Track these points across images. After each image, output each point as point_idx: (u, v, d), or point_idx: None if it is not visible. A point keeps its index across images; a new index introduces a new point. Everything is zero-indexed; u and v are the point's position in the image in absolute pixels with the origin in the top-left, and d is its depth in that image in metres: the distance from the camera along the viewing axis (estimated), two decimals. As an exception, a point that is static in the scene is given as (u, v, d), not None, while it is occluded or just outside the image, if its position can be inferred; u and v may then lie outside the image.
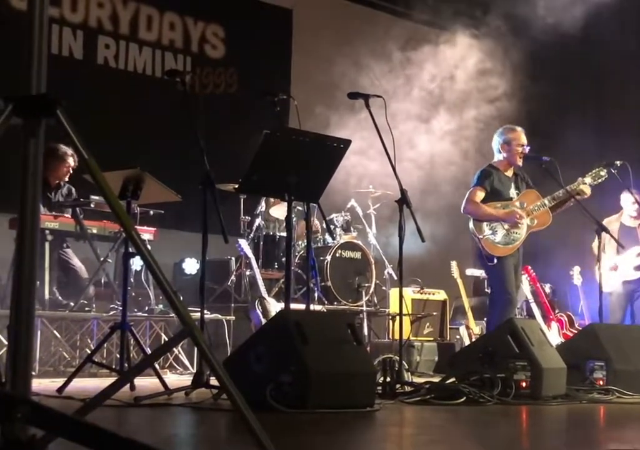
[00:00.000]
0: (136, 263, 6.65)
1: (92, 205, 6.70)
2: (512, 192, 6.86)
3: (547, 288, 9.34)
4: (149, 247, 6.86)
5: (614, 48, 10.49)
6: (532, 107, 8.57)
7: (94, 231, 6.77)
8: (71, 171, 7.05)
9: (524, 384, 4.93)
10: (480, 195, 6.72)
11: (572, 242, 9.14)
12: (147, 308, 7.04)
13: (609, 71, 10.79)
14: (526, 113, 8.43)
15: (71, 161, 6.96)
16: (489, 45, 8.39)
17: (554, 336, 8.64)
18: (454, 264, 9.04)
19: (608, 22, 10.01)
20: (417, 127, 8.33)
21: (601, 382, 5.59)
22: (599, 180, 6.97)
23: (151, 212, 7.05)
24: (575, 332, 8.31)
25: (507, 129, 6.97)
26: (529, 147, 6.88)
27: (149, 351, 5.83)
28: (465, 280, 9.01)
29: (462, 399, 4.53)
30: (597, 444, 3.32)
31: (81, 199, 6.91)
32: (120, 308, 5.37)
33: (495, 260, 6.68)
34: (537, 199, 6.94)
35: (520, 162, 6.88)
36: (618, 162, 7.03)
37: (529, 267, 9.09)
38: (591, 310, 8.92)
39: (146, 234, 6.89)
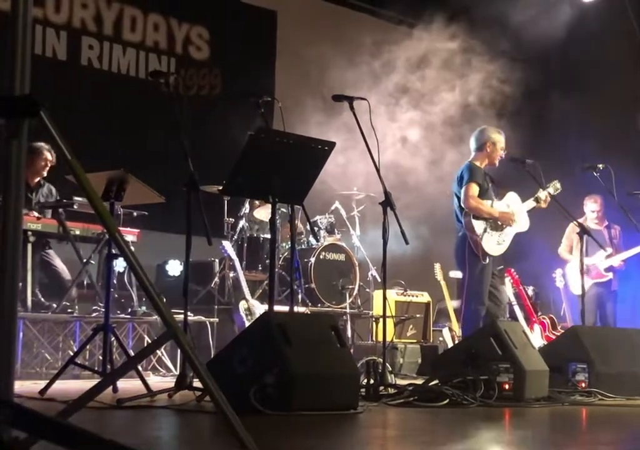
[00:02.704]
0: (119, 264, 6.62)
1: (75, 206, 6.66)
2: (491, 191, 6.91)
3: (530, 290, 9.38)
4: (132, 248, 6.83)
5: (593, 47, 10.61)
6: (505, 106, 8.62)
7: (77, 232, 6.73)
8: (49, 166, 6.98)
9: (506, 386, 4.95)
10: (476, 190, 6.73)
11: (555, 244, 9.19)
12: (130, 310, 7.01)
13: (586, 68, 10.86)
14: (499, 114, 8.47)
15: (48, 155, 6.89)
16: (475, 45, 8.42)
17: (536, 338, 8.67)
18: (437, 266, 9.06)
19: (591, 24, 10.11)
20: (402, 128, 8.34)
21: (583, 385, 5.62)
22: (558, 192, 7.12)
23: (135, 214, 7.03)
24: (558, 334, 8.34)
25: (494, 130, 7.01)
26: (505, 153, 6.98)
27: (132, 353, 5.81)
28: (448, 282, 9.03)
29: (445, 401, 4.54)
30: (579, 446, 3.33)
31: (64, 200, 6.87)
32: (103, 310, 5.36)
33: (488, 260, 6.73)
34: (519, 201, 7.02)
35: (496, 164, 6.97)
36: (600, 165, 7.09)
37: (512, 270, 9.12)
38: (573, 313, 8.99)
39: (129, 235, 6.86)
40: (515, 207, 6.98)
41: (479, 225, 6.73)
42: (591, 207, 8.82)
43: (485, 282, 6.76)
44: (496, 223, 6.81)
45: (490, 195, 6.87)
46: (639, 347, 6.15)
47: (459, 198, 6.79)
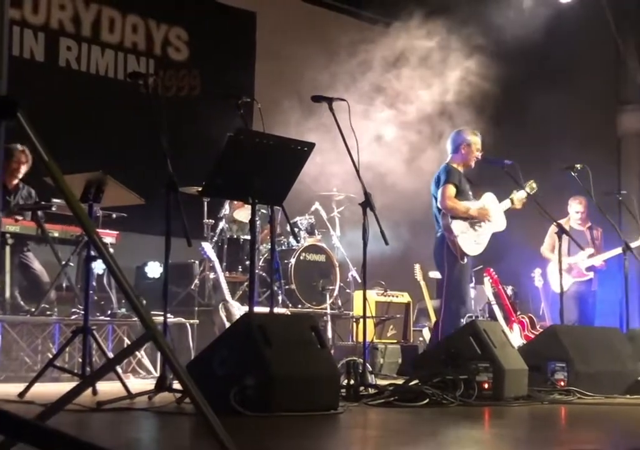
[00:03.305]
0: (98, 266, 6.59)
1: (53, 208, 6.63)
2: (468, 192, 6.97)
3: (509, 290, 9.43)
4: (111, 250, 6.80)
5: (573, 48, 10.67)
6: (484, 105, 8.66)
7: (56, 234, 6.70)
8: (22, 167, 6.94)
9: (486, 386, 4.97)
10: (453, 191, 6.80)
11: (534, 244, 9.24)
12: (109, 312, 6.98)
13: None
14: (475, 113, 8.52)
15: (21, 157, 6.86)
16: (453, 44, 8.45)
17: (515, 338, 8.72)
18: (417, 266, 9.09)
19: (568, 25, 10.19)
20: (380, 128, 8.36)
21: (562, 383, 5.65)
22: (534, 192, 7.18)
23: (114, 215, 7.00)
24: (537, 333, 8.39)
25: (470, 132, 7.07)
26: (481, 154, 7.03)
27: (111, 355, 5.78)
28: (428, 282, 9.07)
29: (425, 401, 4.56)
30: (559, 445, 3.36)
31: (42, 202, 6.84)
32: (82, 312, 5.33)
33: (466, 260, 6.78)
34: (496, 201, 7.08)
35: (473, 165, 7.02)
36: (578, 166, 7.14)
37: (491, 270, 9.17)
38: (553, 312, 9.05)
39: (108, 237, 6.83)
40: (492, 207, 7.04)
41: (457, 226, 6.78)
42: (575, 208, 8.90)
43: (464, 282, 6.84)
44: (473, 223, 6.87)
45: (467, 196, 6.93)
46: (617, 346, 6.20)
47: (436, 199, 6.85)
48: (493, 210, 7.01)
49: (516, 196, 7.08)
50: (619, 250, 8.35)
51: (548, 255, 9.05)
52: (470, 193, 6.97)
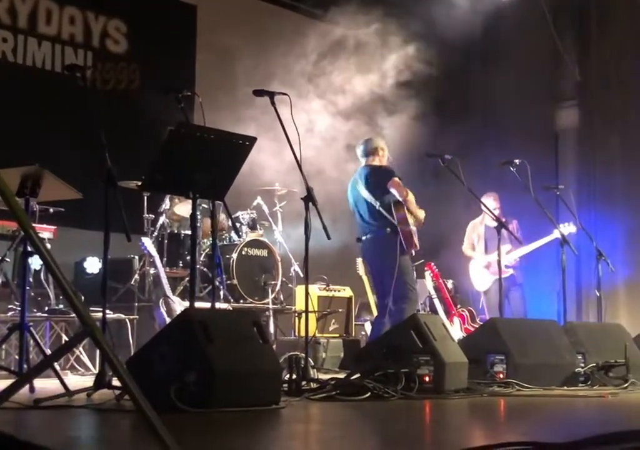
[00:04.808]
0: (35, 262, 6.48)
1: (-12, 203, 6.49)
2: None
3: (450, 284, 9.53)
4: (48, 246, 6.70)
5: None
6: (421, 96, 8.75)
7: (-9, 229, 6.58)
8: None
9: (427, 379, 5.01)
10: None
11: (474, 238, 9.35)
12: (47, 308, 6.88)
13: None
14: (422, 113, 8.60)
15: None
16: (392, 34, 8.50)
17: (456, 331, 8.82)
18: (359, 260, 9.12)
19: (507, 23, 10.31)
20: (321, 124, 8.36)
21: (501, 376, 5.73)
22: None
23: (51, 210, 6.88)
24: (477, 326, 8.49)
25: (380, 138, 7.40)
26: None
27: (49, 352, 5.69)
28: (370, 277, 9.10)
29: (367, 395, 4.58)
30: (497, 436, 3.40)
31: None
32: (19, 308, 5.23)
33: (414, 253, 6.93)
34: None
35: None
36: (517, 161, 7.23)
37: (432, 264, 9.26)
38: (477, 309, 9.19)
39: (46, 232, 6.73)
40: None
41: (410, 218, 6.90)
42: (491, 204, 8.83)
43: (412, 272, 7.00)
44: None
45: None
46: (555, 339, 6.31)
47: (367, 202, 6.93)
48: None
49: None
50: (548, 239, 8.48)
51: (470, 253, 9.16)
52: None
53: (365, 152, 7.14)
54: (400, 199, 6.88)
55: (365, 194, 6.99)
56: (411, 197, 6.95)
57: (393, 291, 6.85)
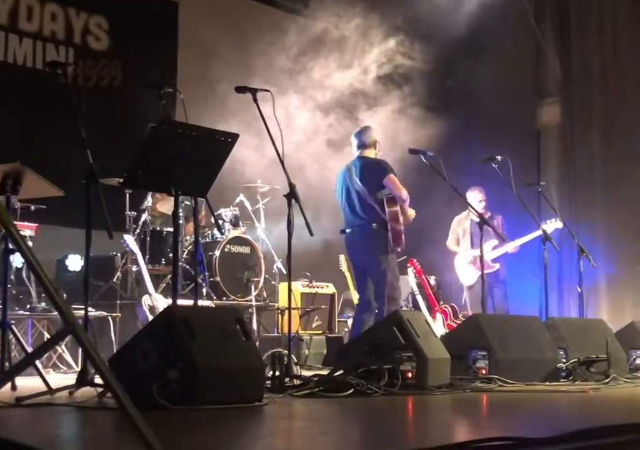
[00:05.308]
0: (17, 260, 6.44)
1: (-31, 201, 6.46)
2: None
3: (432, 280, 9.55)
4: (29, 243, 6.65)
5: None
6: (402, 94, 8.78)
7: (-29, 227, 6.53)
8: None
9: (410, 375, 5.03)
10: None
11: (456, 235, 9.38)
12: (28, 306, 6.84)
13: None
14: (404, 108, 8.61)
15: None
16: (373, 28, 8.52)
17: (438, 327, 8.84)
18: (342, 257, 9.14)
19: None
20: (302, 119, 8.36)
21: (484, 371, 5.75)
22: None
23: (32, 208, 6.84)
24: (459, 322, 8.52)
25: (374, 129, 7.25)
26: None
27: (31, 350, 5.66)
28: (352, 273, 9.11)
29: (350, 391, 4.59)
30: (480, 432, 3.41)
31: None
32: (1, 306, 5.20)
33: (399, 249, 6.96)
34: None
35: None
36: (499, 157, 7.25)
37: (415, 260, 9.28)
38: (460, 305, 9.23)
39: (27, 230, 6.69)
40: None
41: (401, 216, 6.91)
42: (477, 197, 8.85)
43: (397, 270, 7.00)
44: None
45: None
46: (537, 334, 6.34)
47: (359, 194, 6.91)
48: None
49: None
50: (534, 235, 8.50)
51: (454, 248, 9.19)
52: None
53: (362, 143, 7.08)
54: (395, 197, 6.87)
55: (358, 186, 6.95)
56: (406, 197, 6.90)
57: (377, 291, 6.85)
